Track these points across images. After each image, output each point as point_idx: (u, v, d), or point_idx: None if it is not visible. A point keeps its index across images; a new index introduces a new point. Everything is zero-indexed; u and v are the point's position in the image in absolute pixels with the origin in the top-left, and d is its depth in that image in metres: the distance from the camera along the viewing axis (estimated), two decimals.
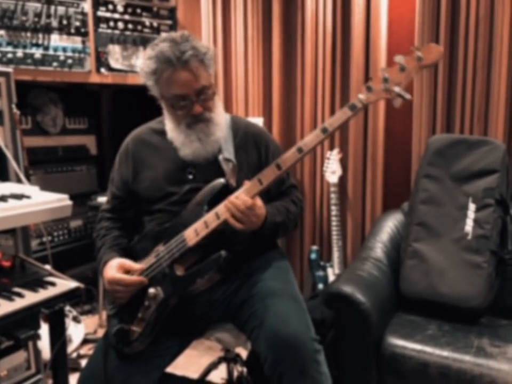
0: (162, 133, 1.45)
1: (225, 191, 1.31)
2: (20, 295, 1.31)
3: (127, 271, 1.33)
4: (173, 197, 1.39)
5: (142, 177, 1.43)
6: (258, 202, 1.29)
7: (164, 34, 1.39)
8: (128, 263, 1.34)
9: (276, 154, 1.43)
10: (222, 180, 1.33)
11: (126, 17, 2.49)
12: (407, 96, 1.24)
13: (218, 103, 1.43)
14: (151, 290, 1.31)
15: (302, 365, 1.19)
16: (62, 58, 2.26)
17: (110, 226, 1.47)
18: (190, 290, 1.29)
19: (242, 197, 1.26)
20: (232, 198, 1.27)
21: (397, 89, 1.24)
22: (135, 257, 1.38)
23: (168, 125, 1.42)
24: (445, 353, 1.50)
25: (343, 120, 1.27)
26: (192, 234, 1.29)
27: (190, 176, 1.40)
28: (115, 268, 1.32)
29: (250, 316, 1.29)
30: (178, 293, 1.30)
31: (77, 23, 2.31)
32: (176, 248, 1.31)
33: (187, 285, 1.29)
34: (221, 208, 1.28)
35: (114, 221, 1.49)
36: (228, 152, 1.39)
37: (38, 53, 2.20)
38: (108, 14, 2.43)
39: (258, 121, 2.41)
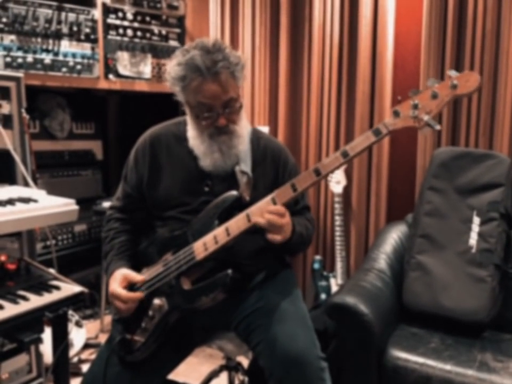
0: (182, 139, 1.42)
1: (238, 204, 1.28)
2: (25, 298, 1.31)
3: (131, 284, 1.31)
4: (186, 206, 1.38)
5: (158, 184, 1.41)
6: (288, 216, 1.25)
7: (197, 40, 1.32)
8: (131, 275, 1.32)
9: (293, 173, 1.39)
10: (234, 193, 1.30)
11: (135, 24, 2.52)
12: (437, 126, 1.13)
13: (243, 115, 1.39)
14: (156, 301, 1.30)
15: (308, 382, 1.19)
16: (71, 64, 2.29)
17: (119, 229, 1.44)
18: (194, 306, 1.27)
19: (273, 207, 1.21)
20: (264, 214, 1.21)
21: (426, 118, 1.13)
22: (143, 262, 1.37)
23: (191, 131, 1.39)
24: (447, 367, 1.50)
25: (366, 145, 1.17)
26: (201, 248, 1.27)
27: (206, 189, 1.38)
28: (118, 281, 1.30)
29: (255, 329, 1.28)
30: (182, 307, 1.28)
31: (87, 30, 2.34)
32: (184, 261, 1.29)
33: (192, 301, 1.27)
34: (231, 224, 1.25)
35: (124, 223, 1.46)
36: (245, 165, 1.36)
37: (47, 58, 2.23)
38: (118, 22, 2.46)
39: (264, 130, 2.42)
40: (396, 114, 1.17)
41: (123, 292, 1.28)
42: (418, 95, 1.15)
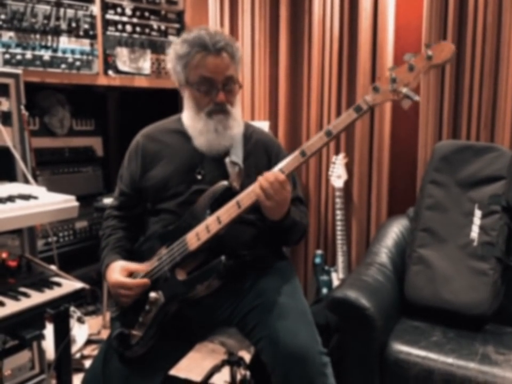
0: (175, 131, 1.46)
1: (229, 194, 1.30)
2: (26, 295, 1.31)
3: (131, 274, 1.33)
4: (179, 197, 1.39)
5: (150, 175, 1.43)
6: (288, 187, 1.26)
7: (201, 26, 1.42)
8: (132, 265, 1.33)
9: None
10: (225, 183, 1.32)
11: (134, 20, 2.51)
12: (416, 97, 1.16)
13: (238, 103, 1.44)
14: (152, 295, 1.30)
15: (310, 378, 1.19)
16: (70, 60, 2.29)
17: (116, 226, 1.47)
18: (190, 296, 1.28)
19: (274, 171, 1.23)
20: (265, 173, 1.24)
21: (404, 90, 1.16)
22: (140, 259, 1.38)
23: (187, 113, 1.43)
24: (449, 360, 1.50)
25: (348, 122, 1.21)
26: (194, 238, 1.28)
27: (199, 177, 1.40)
28: (118, 271, 1.31)
29: (256, 325, 1.28)
30: (178, 298, 1.29)
31: (86, 26, 2.33)
32: (178, 252, 1.30)
33: (187, 290, 1.27)
34: (222, 212, 1.26)
35: (121, 220, 1.48)
36: (236, 156, 1.39)
37: (46, 54, 2.22)
38: (117, 17, 2.45)
39: (264, 125, 2.42)
40: (376, 90, 1.20)
41: (127, 280, 1.29)
42: (396, 69, 1.19)
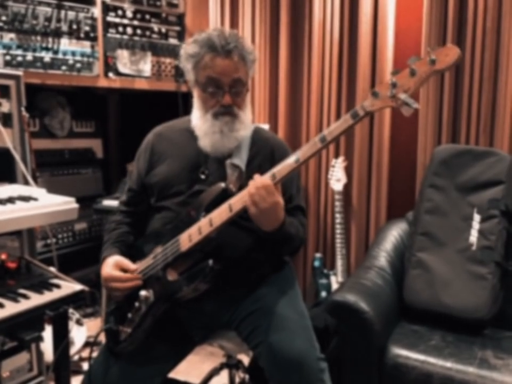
0: (184, 130, 1.47)
1: (225, 196, 1.28)
2: (25, 297, 1.31)
3: (124, 270, 1.33)
4: (180, 196, 1.39)
5: (156, 172, 1.44)
6: (280, 199, 1.21)
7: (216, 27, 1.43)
8: (125, 262, 1.34)
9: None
10: (222, 184, 1.31)
11: (135, 22, 2.51)
12: (415, 105, 1.09)
13: (248, 106, 1.44)
14: (143, 293, 1.30)
15: None
16: (71, 62, 2.29)
17: (121, 221, 1.48)
18: (177, 297, 1.27)
19: (263, 177, 1.20)
20: (255, 177, 1.22)
21: (403, 96, 1.10)
22: (138, 256, 1.38)
23: (195, 113, 1.43)
24: (448, 364, 1.50)
25: (344, 128, 1.16)
26: (186, 239, 1.28)
27: (203, 176, 1.40)
28: (111, 266, 1.32)
29: (254, 330, 1.28)
30: (166, 298, 1.29)
31: (87, 28, 2.33)
32: (171, 252, 1.30)
33: (174, 292, 1.27)
34: (215, 215, 1.25)
35: (127, 215, 1.50)
36: (239, 159, 1.37)
37: (47, 56, 2.22)
38: (117, 20, 2.45)
39: (264, 127, 2.42)
40: (375, 95, 1.14)
41: (118, 273, 1.31)
42: (398, 74, 1.13)
